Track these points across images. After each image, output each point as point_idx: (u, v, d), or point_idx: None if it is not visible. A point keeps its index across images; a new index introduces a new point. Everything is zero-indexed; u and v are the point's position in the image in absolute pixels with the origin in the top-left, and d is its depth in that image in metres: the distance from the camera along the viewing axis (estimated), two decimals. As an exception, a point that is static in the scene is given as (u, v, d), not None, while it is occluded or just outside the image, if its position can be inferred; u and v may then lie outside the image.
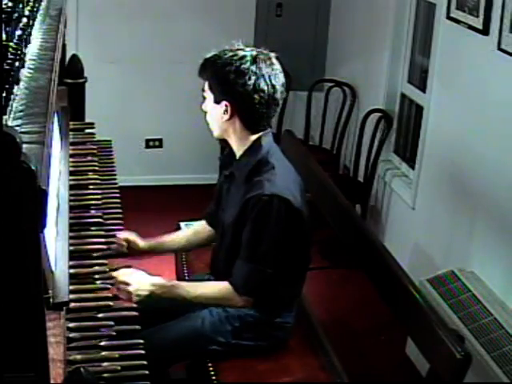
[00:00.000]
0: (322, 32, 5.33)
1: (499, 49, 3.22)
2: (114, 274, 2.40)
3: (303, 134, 5.17)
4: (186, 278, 3.10)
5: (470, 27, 3.46)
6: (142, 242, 2.74)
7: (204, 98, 2.54)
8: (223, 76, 2.42)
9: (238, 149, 2.54)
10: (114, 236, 2.60)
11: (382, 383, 3.50)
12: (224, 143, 2.65)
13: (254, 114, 2.46)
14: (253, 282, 2.47)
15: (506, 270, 3.28)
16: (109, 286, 2.27)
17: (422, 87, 4.19)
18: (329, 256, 4.37)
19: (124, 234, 2.67)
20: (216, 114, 2.49)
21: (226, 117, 2.46)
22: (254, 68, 2.40)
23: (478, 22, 3.39)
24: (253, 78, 2.40)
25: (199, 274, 2.94)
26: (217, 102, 2.48)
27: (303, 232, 2.53)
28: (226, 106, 2.45)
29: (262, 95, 2.41)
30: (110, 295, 2.23)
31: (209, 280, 2.69)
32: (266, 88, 2.41)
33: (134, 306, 2.31)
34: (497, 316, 3.16)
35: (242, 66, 2.40)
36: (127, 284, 2.41)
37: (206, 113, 2.55)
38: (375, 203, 4.67)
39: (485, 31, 3.34)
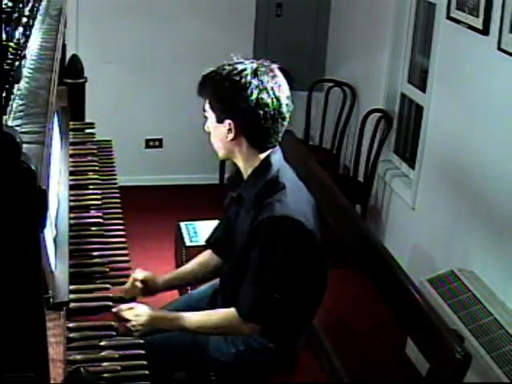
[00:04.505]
0: (321, 32, 5.33)
1: (499, 49, 3.22)
2: (114, 310, 2.27)
3: (303, 134, 5.17)
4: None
5: (470, 27, 3.46)
6: (160, 281, 2.56)
7: (206, 118, 2.36)
8: (223, 92, 2.26)
9: (246, 169, 2.36)
10: (125, 271, 2.40)
11: (381, 383, 3.50)
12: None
13: (259, 130, 2.28)
14: (259, 308, 2.32)
15: (506, 270, 3.28)
16: (108, 286, 2.26)
17: (422, 87, 4.19)
18: (329, 256, 4.36)
19: (140, 275, 2.47)
20: (220, 135, 2.31)
21: (231, 136, 2.29)
22: (255, 81, 2.24)
23: (477, 22, 3.39)
24: (255, 91, 2.23)
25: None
26: (219, 121, 2.30)
27: (316, 255, 2.40)
28: (229, 124, 2.27)
29: (266, 110, 2.24)
30: (111, 295, 2.23)
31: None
32: (269, 102, 2.24)
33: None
34: (497, 316, 3.16)
35: (243, 79, 2.23)
36: (127, 320, 2.31)
37: (209, 133, 2.38)
38: (375, 203, 4.67)
39: (485, 31, 3.34)
